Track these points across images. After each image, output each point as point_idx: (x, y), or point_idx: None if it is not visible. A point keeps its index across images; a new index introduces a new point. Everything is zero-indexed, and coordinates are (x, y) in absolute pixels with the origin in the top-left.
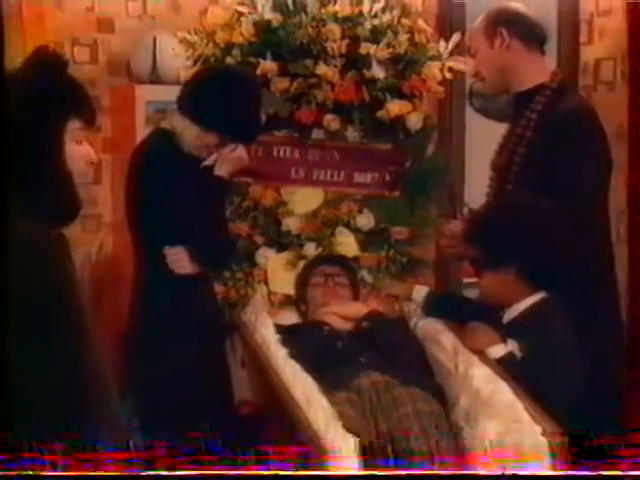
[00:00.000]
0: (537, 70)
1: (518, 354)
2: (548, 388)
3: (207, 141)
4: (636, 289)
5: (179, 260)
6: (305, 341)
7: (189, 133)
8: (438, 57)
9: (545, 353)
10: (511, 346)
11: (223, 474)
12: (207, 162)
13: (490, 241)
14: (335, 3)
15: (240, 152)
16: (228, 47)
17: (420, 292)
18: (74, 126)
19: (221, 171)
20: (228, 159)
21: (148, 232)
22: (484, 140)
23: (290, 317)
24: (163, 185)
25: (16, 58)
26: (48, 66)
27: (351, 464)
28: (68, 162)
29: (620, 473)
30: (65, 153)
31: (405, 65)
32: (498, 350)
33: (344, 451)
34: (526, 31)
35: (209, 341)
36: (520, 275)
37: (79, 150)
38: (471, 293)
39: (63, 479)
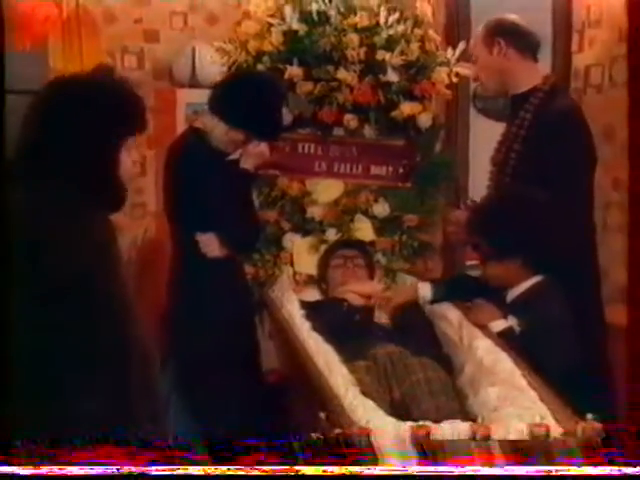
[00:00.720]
0: (531, 75)
1: (517, 329)
2: (543, 358)
3: (234, 138)
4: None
5: (210, 245)
6: (326, 316)
7: (218, 130)
8: (446, 63)
9: (542, 328)
10: (511, 321)
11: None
12: (232, 157)
13: (493, 233)
14: (355, 15)
15: (262, 148)
16: (259, 55)
17: (425, 289)
18: (131, 140)
19: (246, 165)
20: (252, 154)
21: (183, 219)
22: (486, 138)
23: (313, 294)
24: (195, 178)
25: (74, 65)
26: (116, 92)
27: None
28: (120, 169)
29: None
30: (119, 160)
31: (416, 70)
32: (499, 324)
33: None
34: (521, 40)
35: (240, 316)
36: (523, 261)
37: (128, 157)
38: (474, 274)
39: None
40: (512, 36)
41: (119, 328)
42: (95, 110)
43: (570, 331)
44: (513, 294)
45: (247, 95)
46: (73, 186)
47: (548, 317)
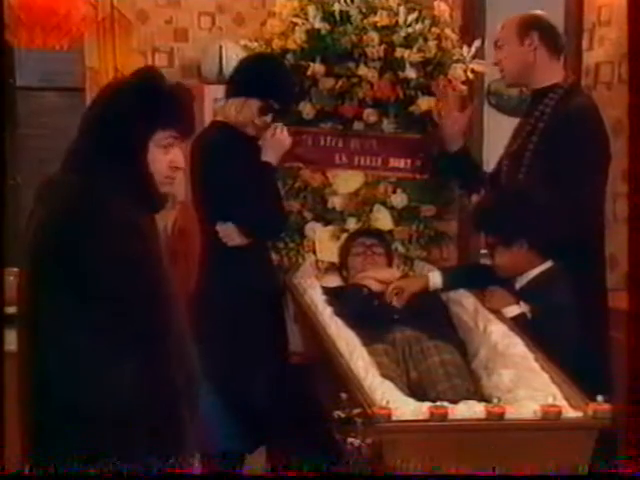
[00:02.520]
0: (554, 72)
1: (529, 315)
2: (554, 342)
3: (249, 112)
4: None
5: (229, 234)
6: (347, 301)
7: (235, 107)
8: (462, 60)
9: (550, 314)
10: (524, 307)
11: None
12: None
13: (501, 228)
14: (375, 14)
15: (280, 135)
16: (283, 52)
17: (435, 277)
18: (161, 135)
19: (268, 157)
20: (272, 144)
21: (209, 209)
22: (498, 132)
23: (334, 281)
24: (218, 168)
25: (108, 64)
26: (143, 83)
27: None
28: (150, 165)
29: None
30: (148, 158)
31: (434, 67)
32: (513, 310)
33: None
34: (552, 39)
35: (266, 300)
36: (530, 249)
37: (164, 156)
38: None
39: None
40: (545, 33)
41: (164, 319)
42: (123, 106)
43: (578, 316)
44: (522, 282)
45: (260, 65)
46: (115, 185)
47: (557, 302)
